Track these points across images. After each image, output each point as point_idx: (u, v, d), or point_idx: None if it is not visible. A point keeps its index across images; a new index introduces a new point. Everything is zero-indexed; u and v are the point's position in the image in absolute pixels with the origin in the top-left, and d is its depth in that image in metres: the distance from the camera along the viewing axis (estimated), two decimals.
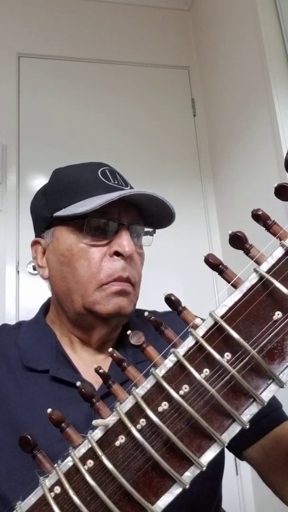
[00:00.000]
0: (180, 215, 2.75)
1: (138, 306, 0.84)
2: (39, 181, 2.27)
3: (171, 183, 2.58)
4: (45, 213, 0.83)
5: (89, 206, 0.74)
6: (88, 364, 0.81)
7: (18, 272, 2.27)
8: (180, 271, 2.42)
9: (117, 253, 0.78)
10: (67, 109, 2.59)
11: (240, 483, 2.16)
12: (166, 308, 0.42)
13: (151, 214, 0.84)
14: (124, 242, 0.77)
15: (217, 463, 0.80)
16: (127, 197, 0.78)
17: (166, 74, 2.82)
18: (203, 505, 0.76)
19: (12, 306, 2.23)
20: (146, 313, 0.41)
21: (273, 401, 0.82)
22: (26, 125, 2.50)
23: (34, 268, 2.25)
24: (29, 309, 2.20)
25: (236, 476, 2.15)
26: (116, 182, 0.82)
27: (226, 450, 0.83)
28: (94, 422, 0.37)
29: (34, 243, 0.87)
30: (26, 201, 2.35)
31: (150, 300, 0.82)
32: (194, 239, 2.53)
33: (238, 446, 0.80)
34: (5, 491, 0.65)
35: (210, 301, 0.38)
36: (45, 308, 0.91)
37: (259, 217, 0.38)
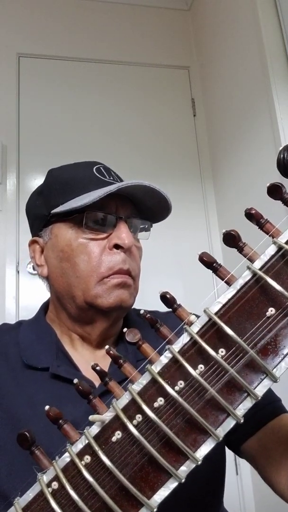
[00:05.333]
0: (180, 215, 2.74)
1: (138, 307, 0.84)
2: (39, 181, 2.24)
3: (171, 183, 2.57)
4: (43, 212, 0.84)
5: (88, 199, 0.75)
6: (89, 361, 0.80)
7: (18, 272, 2.27)
8: (180, 272, 2.42)
9: (116, 246, 0.78)
10: (67, 109, 2.59)
11: (240, 483, 2.16)
12: (166, 308, 0.42)
13: (147, 207, 0.85)
14: (123, 234, 0.78)
15: (218, 463, 0.80)
16: (124, 191, 0.78)
17: (166, 74, 2.82)
18: (204, 504, 0.76)
19: (12, 306, 2.23)
20: (142, 311, 0.41)
21: (270, 394, 0.82)
22: (26, 125, 2.50)
23: (34, 268, 2.25)
24: (29, 309, 2.19)
25: (236, 476, 2.15)
26: (111, 178, 0.83)
27: (226, 450, 0.83)
28: (91, 417, 0.37)
29: (32, 243, 0.88)
30: (26, 201, 2.35)
31: (150, 300, 0.82)
32: (194, 239, 2.53)
33: (236, 441, 0.80)
34: (6, 489, 0.65)
35: (209, 301, 0.39)
36: (45, 307, 0.91)
37: (252, 216, 0.39)
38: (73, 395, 0.67)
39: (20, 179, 2.41)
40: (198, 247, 2.55)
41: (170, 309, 0.40)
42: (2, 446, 0.70)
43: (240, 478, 2.15)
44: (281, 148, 0.40)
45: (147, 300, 0.87)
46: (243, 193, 2.25)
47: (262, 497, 2.07)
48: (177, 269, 2.43)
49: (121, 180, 0.86)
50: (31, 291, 2.24)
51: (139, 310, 0.88)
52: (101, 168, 0.85)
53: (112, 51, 2.74)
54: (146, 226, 0.88)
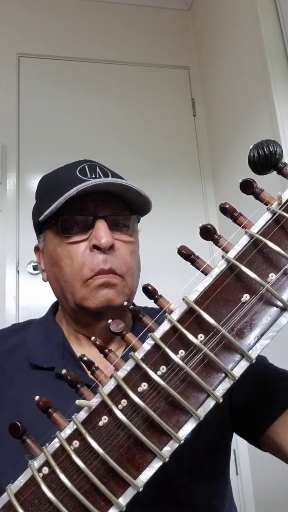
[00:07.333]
0: (180, 215, 2.73)
1: (137, 306, 0.84)
2: None
3: (171, 183, 2.58)
4: (36, 220, 0.85)
5: (52, 207, 0.76)
6: (96, 360, 0.81)
7: (18, 272, 2.29)
8: (180, 271, 2.42)
9: (96, 247, 0.78)
10: (67, 109, 2.60)
11: (240, 483, 2.16)
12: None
13: (131, 202, 0.84)
14: (100, 234, 0.77)
15: (224, 461, 0.80)
16: (103, 188, 0.78)
17: (166, 74, 2.83)
18: (211, 503, 0.75)
19: (12, 306, 2.24)
20: (125, 303, 0.43)
21: None
22: (26, 125, 2.51)
23: (34, 268, 2.27)
24: (29, 309, 2.21)
25: (236, 476, 2.15)
26: (93, 176, 0.82)
27: (233, 451, 0.82)
28: (77, 401, 0.39)
29: (36, 249, 0.90)
30: (26, 201, 2.37)
31: (150, 300, 0.83)
32: (194, 239, 2.51)
33: (261, 426, 0.75)
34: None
35: (189, 289, 0.41)
36: (55, 306, 0.92)
37: (226, 210, 0.43)
38: (77, 395, 0.68)
39: (20, 179, 2.42)
40: (198, 247, 2.53)
41: (152, 300, 0.42)
42: (8, 447, 0.69)
43: (240, 478, 2.15)
44: (251, 146, 0.42)
45: (146, 300, 0.87)
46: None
47: (262, 497, 2.07)
48: (177, 269, 2.43)
49: (107, 175, 0.84)
50: (31, 291, 2.25)
51: (145, 307, 0.87)
52: (85, 166, 0.84)
53: (112, 51, 2.75)
54: (136, 218, 0.87)
